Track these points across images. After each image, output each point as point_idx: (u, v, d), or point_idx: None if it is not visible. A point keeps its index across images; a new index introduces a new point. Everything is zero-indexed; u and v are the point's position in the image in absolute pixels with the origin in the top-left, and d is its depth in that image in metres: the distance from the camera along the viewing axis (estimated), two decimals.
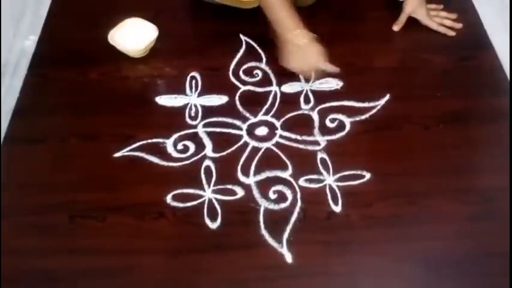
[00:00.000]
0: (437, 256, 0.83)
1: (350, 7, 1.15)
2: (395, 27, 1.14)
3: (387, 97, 1.03)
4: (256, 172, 0.93)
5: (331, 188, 0.90)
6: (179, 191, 0.90)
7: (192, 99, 1.04)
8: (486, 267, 0.82)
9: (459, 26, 1.14)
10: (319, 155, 0.95)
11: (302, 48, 0.98)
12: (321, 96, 1.04)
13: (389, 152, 0.95)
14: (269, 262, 0.83)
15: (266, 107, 1.02)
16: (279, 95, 1.04)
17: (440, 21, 1.13)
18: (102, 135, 0.99)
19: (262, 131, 0.99)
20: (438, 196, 0.89)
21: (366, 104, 1.02)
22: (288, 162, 0.94)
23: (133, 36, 1.09)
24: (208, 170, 0.93)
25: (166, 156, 0.95)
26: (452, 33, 1.12)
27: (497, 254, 0.83)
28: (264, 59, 1.10)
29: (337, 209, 0.88)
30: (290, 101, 1.03)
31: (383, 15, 1.12)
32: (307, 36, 0.98)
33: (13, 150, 0.97)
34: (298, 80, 1.06)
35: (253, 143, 0.97)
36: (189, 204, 0.89)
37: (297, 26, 0.98)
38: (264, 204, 0.89)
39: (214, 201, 0.89)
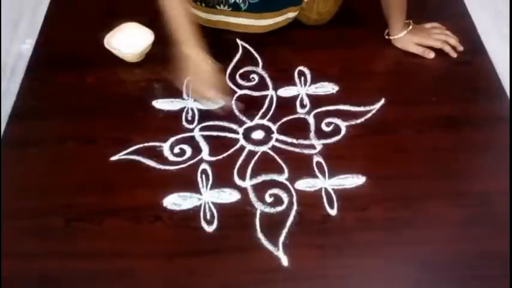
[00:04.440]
0: (433, 259, 0.83)
1: (346, 12, 1.16)
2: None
3: (382, 101, 1.04)
4: (253, 176, 0.93)
5: (326, 192, 0.91)
6: (176, 194, 0.90)
7: (188, 103, 1.04)
8: (482, 270, 0.82)
9: (461, 48, 1.12)
10: (315, 159, 0.95)
11: (196, 66, 0.96)
12: (316, 101, 1.04)
13: (384, 156, 0.96)
14: (265, 265, 0.83)
15: (262, 111, 1.03)
16: (275, 99, 1.05)
17: (445, 39, 1.11)
18: (99, 139, 0.99)
19: (258, 134, 0.99)
20: (433, 200, 0.90)
21: (362, 108, 1.02)
22: (284, 166, 0.94)
23: (130, 41, 1.09)
24: (204, 173, 0.94)
25: (163, 160, 0.95)
26: (454, 55, 1.11)
27: (492, 257, 0.83)
28: (261, 64, 1.11)
29: (333, 212, 0.88)
30: (286, 105, 1.04)
31: (378, 20, 1.13)
32: (203, 55, 0.96)
33: (10, 154, 0.97)
34: (294, 85, 1.07)
35: (249, 147, 0.97)
36: (185, 207, 0.89)
37: (194, 41, 0.96)
38: (260, 207, 0.89)
39: (210, 204, 0.89)
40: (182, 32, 0.96)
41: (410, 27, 1.11)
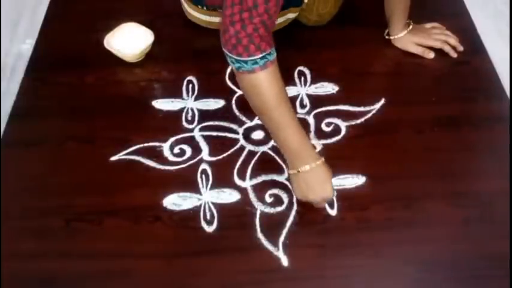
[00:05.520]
0: (433, 259, 0.83)
1: (346, 13, 1.16)
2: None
3: (382, 101, 1.04)
4: (253, 176, 0.93)
5: None
6: (176, 194, 0.90)
7: (188, 103, 1.04)
8: (482, 270, 0.83)
9: (461, 48, 1.12)
10: None
11: (311, 178, 0.83)
12: (316, 101, 1.04)
13: (384, 156, 0.96)
14: (265, 265, 0.83)
15: None
16: None
17: (445, 39, 1.11)
18: (99, 139, 0.99)
19: (258, 134, 0.99)
20: (433, 200, 0.90)
21: (362, 108, 1.03)
22: (284, 166, 0.94)
23: (129, 41, 1.09)
24: (204, 173, 0.94)
25: (163, 160, 0.95)
26: (454, 55, 1.11)
27: (493, 256, 0.83)
28: None
29: (333, 212, 0.88)
30: None
31: (378, 20, 1.13)
32: (318, 165, 0.82)
33: (10, 154, 0.97)
34: (294, 85, 1.07)
35: (249, 147, 0.97)
36: (185, 207, 0.89)
37: (313, 157, 0.82)
38: (260, 207, 0.89)
39: (210, 204, 0.90)
40: (303, 143, 0.81)
41: (410, 27, 1.11)
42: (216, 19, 1.11)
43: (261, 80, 0.76)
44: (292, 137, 0.81)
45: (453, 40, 1.12)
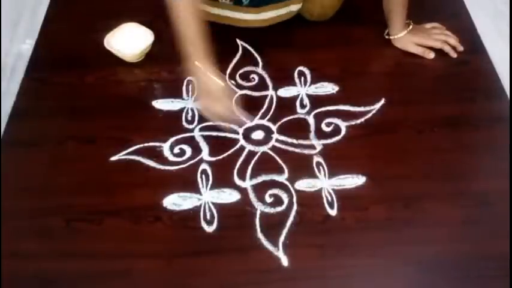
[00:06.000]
0: (433, 259, 0.83)
1: (346, 12, 1.16)
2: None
3: (382, 101, 1.04)
4: (253, 176, 0.93)
5: (327, 192, 0.91)
6: (176, 194, 0.91)
7: (188, 103, 1.04)
8: (482, 270, 0.83)
9: (461, 48, 1.12)
10: (315, 159, 0.95)
11: (206, 85, 0.95)
12: (316, 101, 1.04)
13: (384, 156, 0.96)
14: (265, 265, 0.83)
15: (262, 111, 1.03)
16: (275, 99, 1.05)
17: (445, 39, 1.11)
18: (99, 139, 0.99)
19: (258, 135, 0.99)
20: (433, 200, 0.90)
21: (362, 109, 1.03)
22: (284, 166, 0.94)
23: (129, 41, 1.10)
24: (204, 173, 0.94)
25: (163, 160, 0.95)
26: (454, 55, 1.11)
27: (492, 257, 0.83)
28: (261, 64, 1.11)
29: (333, 212, 0.88)
30: (286, 105, 1.04)
31: (379, 20, 1.13)
32: (211, 70, 0.94)
33: (10, 154, 0.97)
34: (294, 85, 1.07)
35: (249, 147, 0.97)
36: (185, 207, 0.89)
37: (203, 54, 0.94)
38: (260, 207, 0.89)
39: (210, 204, 0.90)
40: (191, 45, 0.94)
41: (410, 27, 1.11)
42: (217, 11, 1.10)
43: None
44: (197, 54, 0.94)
45: (453, 40, 1.12)
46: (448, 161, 0.95)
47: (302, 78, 1.08)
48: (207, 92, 0.96)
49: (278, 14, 1.10)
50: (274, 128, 1.00)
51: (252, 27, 1.12)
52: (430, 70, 1.10)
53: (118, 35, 1.11)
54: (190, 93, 1.06)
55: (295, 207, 0.89)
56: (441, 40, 1.11)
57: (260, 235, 0.86)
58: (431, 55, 1.10)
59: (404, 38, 1.11)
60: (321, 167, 0.94)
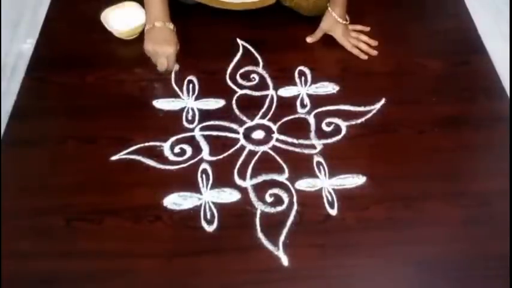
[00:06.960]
0: (433, 259, 0.83)
1: (346, 12, 1.16)
2: (309, 39, 1.14)
3: (383, 101, 1.04)
4: (253, 175, 0.93)
5: (327, 192, 0.91)
6: (176, 194, 0.91)
7: (189, 102, 1.05)
8: (482, 270, 0.83)
9: (374, 53, 1.12)
10: (316, 159, 0.95)
11: (158, 32, 1.03)
12: (317, 100, 1.04)
13: (384, 156, 0.96)
14: (265, 265, 0.83)
15: (263, 110, 1.03)
16: (275, 99, 1.05)
17: (356, 44, 1.12)
18: (99, 139, 0.99)
19: (258, 134, 0.99)
20: (433, 200, 0.90)
21: (362, 108, 1.03)
22: (285, 166, 0.94)
23: (125, 18, 1.12)
24: (205, 173, 0.94)
25: (163, 160, 0.95)
26: (364, 57, 1.11)
27: (492, 257, 0.84)
28: (261, 63, 1.11)
29: (333, 212, 0.88)
30: (287, 105, 1.04)
31: (379, 20, 1.13)
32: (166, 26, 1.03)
33: (10, 153, 0.97)
34: (295, 84, 1.07)
35: (249, 147, 0.97)
36: (185, 207, 0.89)
37: (164, 18, 1.03)
38: (260, 207, 0.89)
39: (210, 204, 0.90)
40: (153, 9, 1.03)
41: (347, 22, 1.11)
42: None
43: None
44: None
45: (364, 46, 1.12)
46: (448, 161, 0.95)
47: (302, 78, 1.08)
48: (156, 37, 1.03)
49: None
50: (274, 127, 1.00)
51: (243, 9, 1.12)
52: (430, 70, 1.10)
53: (117, 11, 1.14)
54: (190, 92, 1.06)
55: (295, 207, 0.89)
56: (352, 44, 1.11)
57: (260, 235, 0.86)
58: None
59: (340, 27, 1.10)
60: (321, 167, 0.94)
